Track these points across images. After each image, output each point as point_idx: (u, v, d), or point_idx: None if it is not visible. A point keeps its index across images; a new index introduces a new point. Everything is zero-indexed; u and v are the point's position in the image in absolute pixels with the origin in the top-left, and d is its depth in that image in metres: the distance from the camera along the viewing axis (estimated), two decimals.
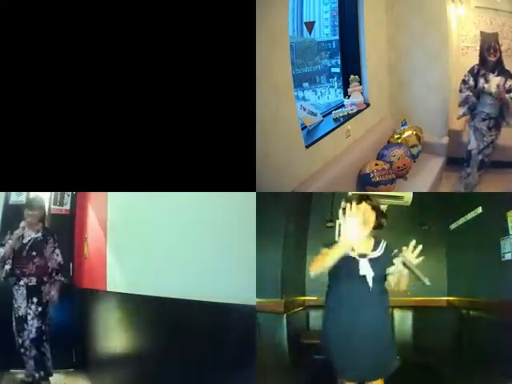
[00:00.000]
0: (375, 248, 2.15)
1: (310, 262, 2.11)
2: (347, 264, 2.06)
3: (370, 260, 2.10)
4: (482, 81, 3.89)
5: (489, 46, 3.84)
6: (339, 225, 2.13)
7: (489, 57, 3.85)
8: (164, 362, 2.41)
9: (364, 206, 2.12)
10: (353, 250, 2.08)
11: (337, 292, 2.15)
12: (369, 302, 2.09)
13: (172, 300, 2.31)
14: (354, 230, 2.03)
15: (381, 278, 2.12)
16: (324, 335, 2.23)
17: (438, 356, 3.35)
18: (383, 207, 2.33)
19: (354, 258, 2.09)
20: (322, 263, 2.06)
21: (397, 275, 2.10)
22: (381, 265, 2.11)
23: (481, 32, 4.10)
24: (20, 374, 3.61)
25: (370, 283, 2.07)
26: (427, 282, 1.98)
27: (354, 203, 2.08)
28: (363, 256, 2.10)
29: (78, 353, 4.20)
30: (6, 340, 3.60)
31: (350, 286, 2.08)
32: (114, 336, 3.31)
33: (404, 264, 2.02)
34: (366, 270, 2.07)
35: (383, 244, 2.18)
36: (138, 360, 2.77)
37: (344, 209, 2.09)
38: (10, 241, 3.63)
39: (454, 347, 3.58)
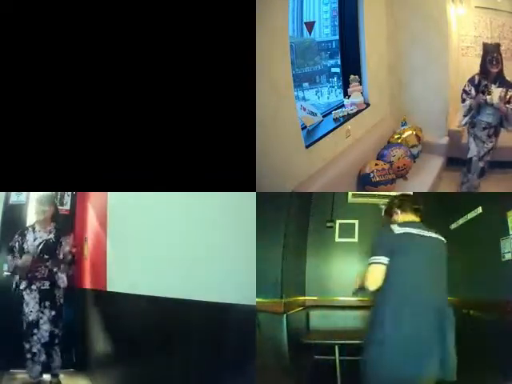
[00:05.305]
0: None
1: (362, 278, 2.13)
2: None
3: None
4: (483, 92, 3.88)
5: (492, 57, 3.82)
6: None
7: (491, 68, 3.84)
8: (164, 362, 2.41)
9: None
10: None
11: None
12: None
13: (172, 300, 2.31)
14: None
15: None
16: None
17: None
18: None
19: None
20: (377, 279, 2.07)
21: None
22: None
23: (483, 43, 4.12)
24: (20, 375, 3.60)
25: None
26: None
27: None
28: None
29: (78, 353, 4.18)
30: (6, 340, 3.59)
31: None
32: (113, 336, 3.30)
33: None
34: None
35: None
36: (138, 360, 2.77)
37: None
38: (30, 247, 3.53)
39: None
